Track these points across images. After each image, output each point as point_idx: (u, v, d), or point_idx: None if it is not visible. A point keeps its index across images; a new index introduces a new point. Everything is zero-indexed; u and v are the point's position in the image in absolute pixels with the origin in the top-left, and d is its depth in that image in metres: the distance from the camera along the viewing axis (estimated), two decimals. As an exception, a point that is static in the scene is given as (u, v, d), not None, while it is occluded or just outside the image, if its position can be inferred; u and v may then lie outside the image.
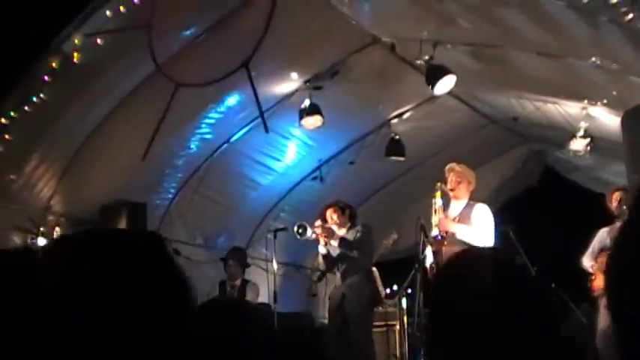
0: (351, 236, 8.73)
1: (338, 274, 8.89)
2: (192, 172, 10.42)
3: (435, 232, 7.88)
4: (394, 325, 10.37)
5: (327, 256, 8.81)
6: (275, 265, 9.55)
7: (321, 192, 11.05)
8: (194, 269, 10.66)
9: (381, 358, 9.68)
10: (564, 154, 11.45)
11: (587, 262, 8.79)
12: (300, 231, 8.77)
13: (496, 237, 8.03)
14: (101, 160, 9.01)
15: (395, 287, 10.80)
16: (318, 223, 8.75)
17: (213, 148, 10.35)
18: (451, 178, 8.01)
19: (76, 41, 7.56)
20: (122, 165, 9.11)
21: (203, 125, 9.67)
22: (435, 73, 8.53)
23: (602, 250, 8.68)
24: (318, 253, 8.98)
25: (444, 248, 7.75)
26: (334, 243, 8.63)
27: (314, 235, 8.70)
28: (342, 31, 8.74)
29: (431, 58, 8.42)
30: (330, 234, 8.65)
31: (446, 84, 8.65)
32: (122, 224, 9.26)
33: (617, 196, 8.58)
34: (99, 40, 7.52)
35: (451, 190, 7.95)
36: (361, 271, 8.72)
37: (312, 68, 9.41)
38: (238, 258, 10.01)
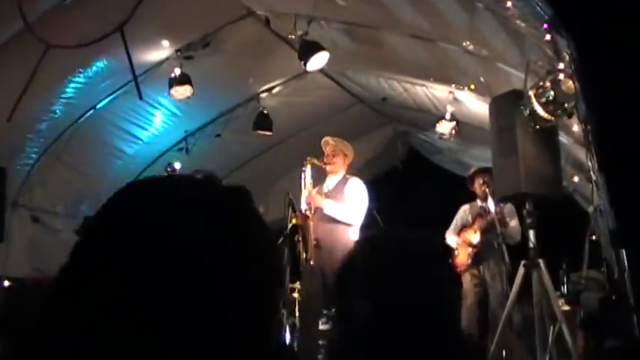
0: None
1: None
2: (56, 137, 10.07)
3: (303, 206, 7.95)
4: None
5: None
6: (139, 236, 9.38)
7: (187, 163, 10.88)
8: (53, 238, 10.38)
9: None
10: (428, 136, 11.73)
11: (451, 237, 9.07)
12: None
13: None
14: (-40, 121, 8.60)
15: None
16: None
17: (78, 114, 10.02)
18: (327, 151, 8.11)
19: (-62, -6, 7.19)
20: (-18, 127, 8.73)
21: (69, 90, 9.33)
22: (308, 49, 8.55)
23: (463, 226, 8.99)
24: None
25: (311, 223, 7.83)
26: None
27: None
28: (217, 1, 8.64)
29: (305, 33, 8.44)
30: None
31: (318, 61, 8.68)
32: (-20, 188, 8.92)
33: (480, 180, 8.85)
34: (-38, -6, 7.17)
35: (326, 164, 8.05)
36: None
37: (184, 37, 9.25)
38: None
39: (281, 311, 8.65)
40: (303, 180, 8.07)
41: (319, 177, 8.36)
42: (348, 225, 7.87)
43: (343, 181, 8.08)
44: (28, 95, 7.76)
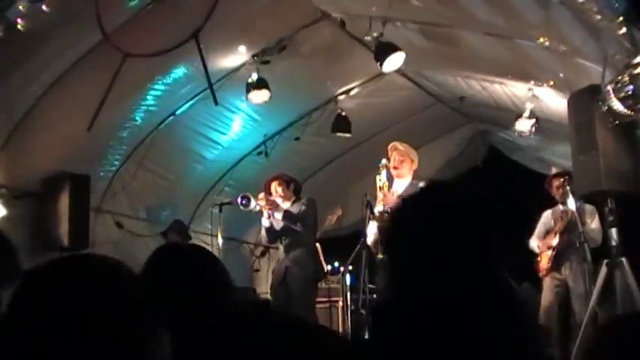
0: (295, 210, 8.75)
1: (281, 248, 8.90)
2: (137, 144, 10.25)
3: (380, 207, 7.93)
4: (337, 302, 10.40)
5: (269, 229, 8.82)
6: (220, 240, 9.50)
7: (266, 167, 10.98)
8: (136, 242, 10.56)
9: (323, 335, 9.67)
10: (509, 134, 11.55)
11: (534, 242, 8.97)
12: (244, 202, 8.78)
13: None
14: (44, 131, 8.76)
15: (337, 264, 10.82)
16: (262, 195, 8.76)
17: (158, 121, 10.18)
18: (394, 156, 8.11)
19: (21, 7, 7.35)
20: (66, 136, 8.90)
21: (149, 97, 9.49)
22: (384, 50, 8.51)
23: (547, 232, 8.86)
24: (260, 227, 8.98)
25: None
26: (278, 216, 8.63)
27: (258, 207, 8.70)
28: (292, 5, 8.68)
29: (380, 35, 8.40)
30: (274, 206, 8.67)
31: (395, 61, 8.63)
32: (65, 196, 9.10)
33: (557, 182, 8.74)
34: (45, 7, 7.32)
35: (394, 168, 8.04)
36: (305, 246, 8.75)
37: (260, 42, 9.31)
38: (179, 230, 9.97)
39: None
40: (378, 183, 8.06)
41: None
42: None
43: (412, 186, 8.04)
44: (109, 104, 7.93)
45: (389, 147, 8.22)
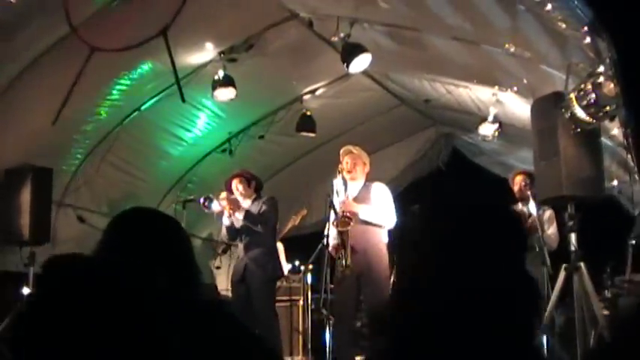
0: (255, 208, 8.77)
1: (240, 246, 8.90)
2: (101, 138, 10.20)
3: (339, 213, 7.96)
4: (298, 301, 10.44)
5: (230, 228, 8.84)
6: (182, 236, 9.47)
7: (230, 165, 10.97)
8: (98, 237, 10.48)
9: (284, 333, 9.73)
10: (472, 138, 11.67)
11: None
12: (206, 203, 8.78)
13: (401, 216, 8.15)
14: (8, 123, 8.69)
15: (297, 263, 10.84)
16: (224, 195, 8.76)
17: (123, 116, 10.15)
18: (346, 160, 8.15)
19: (-13, -2, 7.30)
20: (29, 129, 8.83)
21: (114, 92, 9.45)
22: (350, 51, 8.55)
23: None
24: (222, 225, 8.99)
25: (349, 228, 7.84)
26: (239, 216, 8.65)
27: (219, 208, 8.71)
28: (260, 4, 8.67)
29: (347, 36, 8.44)
30: (235, 206, 8.68)
31: (361, 63, 8.68)
32: (27, 189, 9.01)
33: (519, 179, 8.82)
34: (12, -1, 7.27)
35: (348, 172, 8.09)
36: (264, 245, 8.75)
37: (227, 40, 9.30)
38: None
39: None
40: (335, 188, 8.10)
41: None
42: (380, 227, 7.93)
43: (366, 187, 8.14)
44: (74, 97, 7.89)
45: (342, 151, 8.26)
